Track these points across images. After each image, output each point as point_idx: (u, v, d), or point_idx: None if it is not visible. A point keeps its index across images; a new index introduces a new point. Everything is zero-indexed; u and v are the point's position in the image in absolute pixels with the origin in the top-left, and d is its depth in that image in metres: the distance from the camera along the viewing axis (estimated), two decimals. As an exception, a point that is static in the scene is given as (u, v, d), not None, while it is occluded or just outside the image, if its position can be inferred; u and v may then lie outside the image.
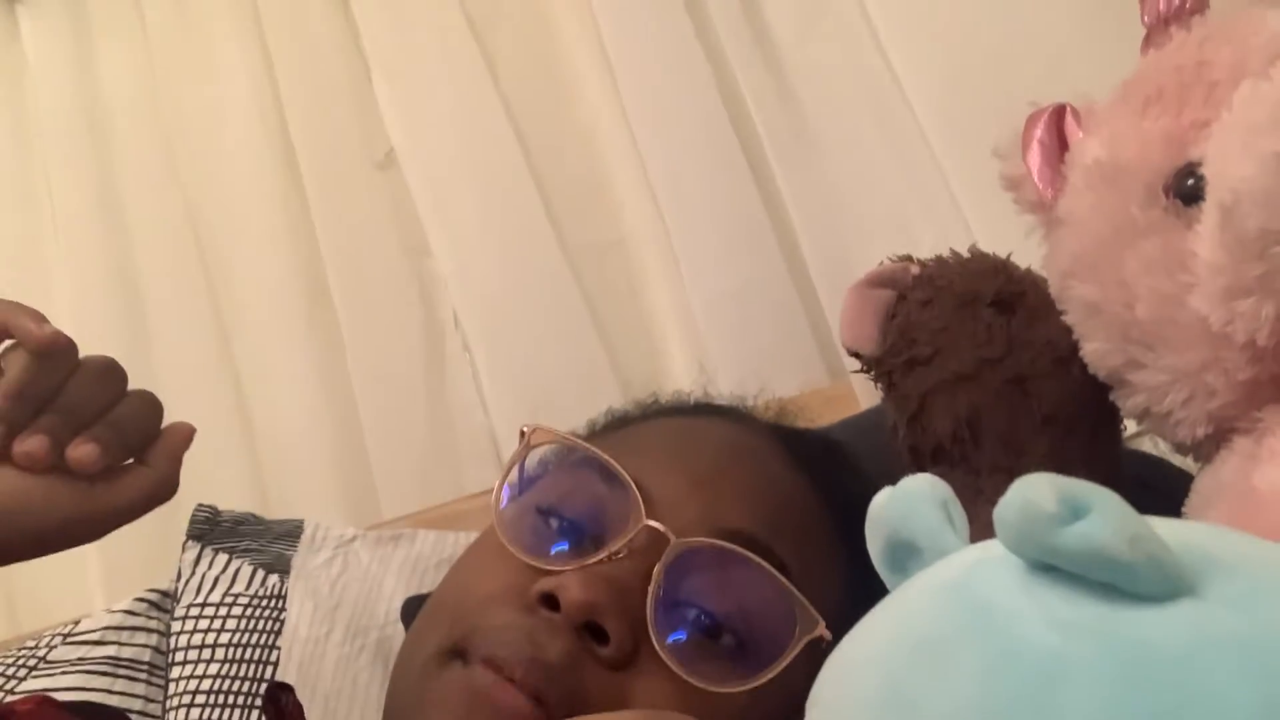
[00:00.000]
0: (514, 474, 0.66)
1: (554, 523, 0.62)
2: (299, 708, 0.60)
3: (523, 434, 0.66)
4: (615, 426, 0.74)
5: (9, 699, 0.67)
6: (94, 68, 1.46)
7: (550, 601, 0.56)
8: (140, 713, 0.77)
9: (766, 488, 0.64)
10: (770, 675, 0.57)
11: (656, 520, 0.58)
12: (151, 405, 0.64)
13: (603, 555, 0.58)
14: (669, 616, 0.57)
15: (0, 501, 0.57)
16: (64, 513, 0.59)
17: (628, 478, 0.60)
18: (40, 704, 0.51)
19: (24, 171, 1.42)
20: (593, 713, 0.53)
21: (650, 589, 0.57)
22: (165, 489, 0.63)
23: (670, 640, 0.57)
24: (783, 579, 0.58)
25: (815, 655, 0.41)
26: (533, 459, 0.67)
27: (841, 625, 0.41)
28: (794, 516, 0.64)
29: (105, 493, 0.60)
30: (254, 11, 1.44)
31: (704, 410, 0.76)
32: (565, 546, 0.61)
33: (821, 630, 0.58)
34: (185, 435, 0.64)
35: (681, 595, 0.58)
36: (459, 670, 0.56)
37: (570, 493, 0.63)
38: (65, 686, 0.75)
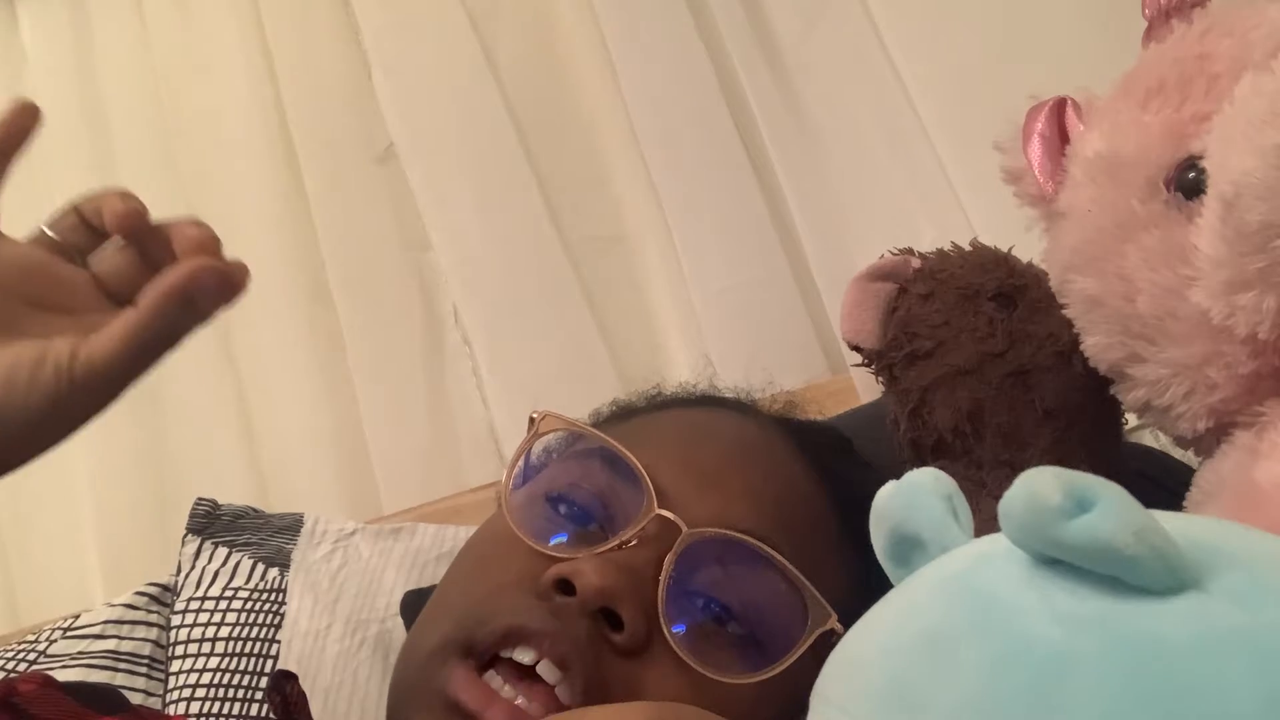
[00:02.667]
0: (523, 461, 0.66)
1: (564, 510, 0.62)
2: (303, 697, 0.60)
3: (532, 421, 0.66)
4: (622, 417, 0.74)
5: (10, 676, 0.67)
6: (94, 64, 1.46)
7: (565, 587, 0.56)
8: (140, 706, 0.77)
9: (775, 482, 0.64)
10: (782, 667, 0.57)
11: (668, 510, 0.58)
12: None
13: (614, 543, 0.58)
14: (680, 606, 0.57)
15: None
16: (46, 389, 0.51)
17: (639, 467, 0.60)
18: (43, 685, 0.51)
19: (24, 170, 1.42)
20: (608, 697, 0.53)
21: (662, 578, 0.57)
22: (151, 333, 0.52)
23: (681, 629, 0.57)
24: (795, 571, 0.58)
25: (826, 647, 0.41)
26: (541, 446, 0.67)
27: (848, 619, 0.41)
28: (802, 510, 0.64)
29: (86, 355, 0.51)
30: (254, 7, 1.44)
31: (711, 402, 0.76)
32: (575, 534, 0.60)
33: (833, 623, 0.58)
34: (187, 272, 0.53)
35: (693, 585, 0.58)
36: (453, 671, 0.55)
37: (580, 481, 0.63)
38: (65, 680, 0.75)
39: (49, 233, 0.57)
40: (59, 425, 0.53)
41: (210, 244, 0.55)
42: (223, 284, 0.54)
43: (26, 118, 0.58)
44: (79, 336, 0.52)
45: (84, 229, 0.57)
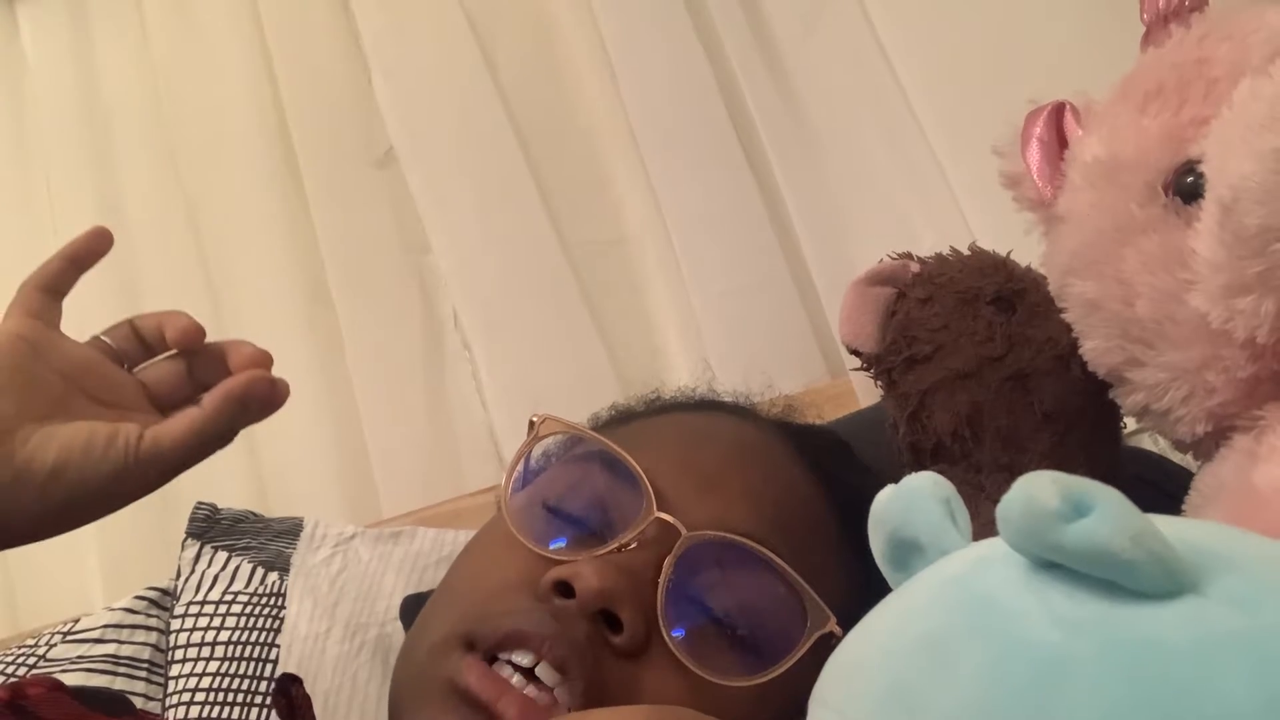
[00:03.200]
0: (522, 464, 0.66)
1: (563, 513, 0.62)
2: (308, 700, 0.60)
3: (532, 424, 0.66)
4: (621, 421, 0.74)
5: (18, 680, 0.67)
6: (94, 67, 1.46)
7: (564, 589, 0.56)
8: (141, 710, 0.77)
9: (774, 485, 0.64)
10: (781, 670, 0.57)
11: (667, 513, 0.58)
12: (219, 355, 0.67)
13: (613, 546, 0.58)
14: (679, 608, 0.57)
15: (61, 445, 0.59)
16: (117, 454, 0.60)
17: (639, 470, 0.60)
18: (51, 688, 0.51)
19: (24, 171, 1.42)
20: (607, 699, 0.53)
21: (661, 581, 0.57)
22: (212, 429, 0.64)
23: (681, 632, 0.57)
24: (794, 574, 0.58)
25: (825, 651, 0.41)
26: (541, 450, 0.67)
27: (847, 622, 0.41)
28: (801, 513, 0.64)
29: (153, 437, 0.61)
30: (254, 10, 1.44)
31: (711, 406, 0.76)
32: (574, 537, 0.60)
33: (832, 626, 0.58)
34: (247, 380, 0.65)
35: (692, 588, 0.58)
36: (462, 661, 0.55)
37: (579, 484, 0.63)
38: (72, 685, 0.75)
39: (105, 340, 0.66)
40: (115, 496, 0.62)
41: (263, 359, 0.66)
42: (271, 394, 0.65)
43: (102, 242, 0.67)
44: (139, 423, 0.62)
45: (136, 341, 0.66)
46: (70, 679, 0.76)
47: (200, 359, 0.67)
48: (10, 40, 1.48)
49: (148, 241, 1.38)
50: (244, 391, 0.64)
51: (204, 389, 0.65)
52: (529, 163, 1.35)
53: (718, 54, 1.33)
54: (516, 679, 0.54)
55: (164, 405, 0.66)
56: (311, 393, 1.32)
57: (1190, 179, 0.54)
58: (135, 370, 0.67)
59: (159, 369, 0.67)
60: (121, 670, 0.79)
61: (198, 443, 0.63)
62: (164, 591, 0.87)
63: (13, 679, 0.77)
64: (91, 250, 0.66)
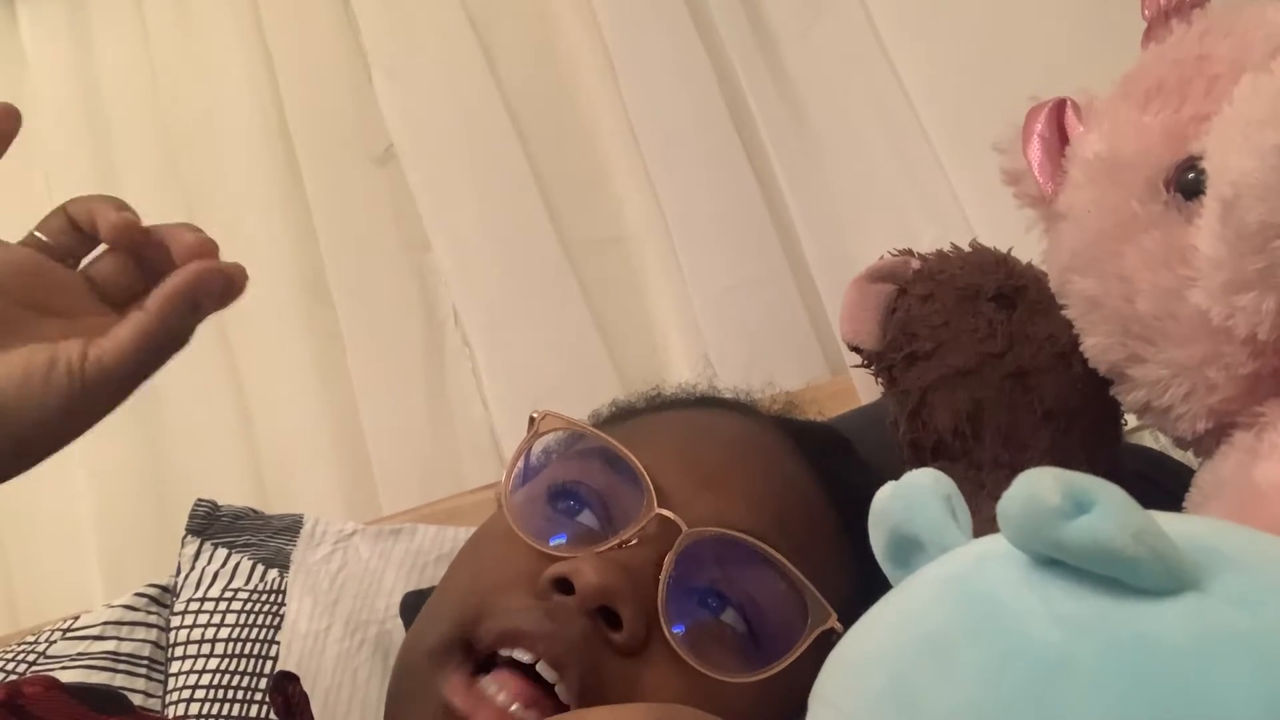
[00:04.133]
0: (523, 461, 0.66)
1: (563, 510, 0.62)
2: (305, 698, 0.60)
3: (532, 421, 0.66)
4: (621, 417, 0.74)
5: (13, 678, 0.67)
6: (94, 65, 1.46)
7: (563, 586, 0.56)
8: (140, 708, 0.77)
9: (775, 482, 0.64)
10: (782, 666, 0.57)
11: (668, 509, 0.58)
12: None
13: (614, 543, 0.58)
14: (680, 605, 0.57)
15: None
16: (59, 392, 0.52)
17: (639, 466, 0.60)
18: (48, 687, 0.51)
19: (24, 170, 1.42)
20: (606, 696, 0.53)
21: (662, 577, 0.57)
22: (162, 333, 0.54)
23: (681, 629, 0.57)
24: (795, 570, 0.58)
25: (826, 647, 0.41)
26: (541, 446, 0.67)
27: (848, 619, 0.41)
28: (802, 510, 0.64)
29: (96, 357, 0.53)
30: (254, 8, 1.44)
31: (711, 403, 0.76)
32: (575, 534, 0.60)
33: (833, 622, 0.58)
34: (193, 275, 0.55)
35: (693, 584, 0.58)
36: (448, 676, 0.55)
37: (580, 480, 0.63)
38: (69, 682, 0.75)
39: (40, 236, 0.57)
40: (69, 427, 0.54)
41: (208, 248, 0.56)
42: (225, 286, 0.56)
43: (7, 121, 0.56)
44: (82, 339, 0.53)
45: (74, 232, 0.58)
46: (70, 676, 0.76)
47: (146, 249, 0.58)
48: (10, 40, 1.48)
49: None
50: (191, 288, 0.54)
51: (159, 278, 0.56)
52: (529, 160, 1.35)
53: (718, 51, 1.33)
54: (501, 697, 0.54)
55: (117, 302, 0.57)
56: (312, 390, 1.32)
57: (1191, 175, 0.54)
58: (81, 266, 0.59)
59: (106, 262, 0.58)
60: (121, 667, 0.80)
61: (148, 352, 0.54)
62: (164, 588, 0.87)
63: (12, 676, 0.77)
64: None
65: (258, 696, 0.78)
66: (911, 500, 0.40)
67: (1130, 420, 0.68)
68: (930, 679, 0.33)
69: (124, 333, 0.54)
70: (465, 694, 0.54)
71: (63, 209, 0.58)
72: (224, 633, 0.82)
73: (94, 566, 1.28)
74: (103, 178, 1.40)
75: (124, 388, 0.55)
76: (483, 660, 0.56)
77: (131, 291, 0.57)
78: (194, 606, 0.84)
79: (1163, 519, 0.32)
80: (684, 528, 0.58)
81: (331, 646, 0.83)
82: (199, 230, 0.58)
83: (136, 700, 0.77)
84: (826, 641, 0.57)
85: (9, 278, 0.55)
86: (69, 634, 0.81)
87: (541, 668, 0.54)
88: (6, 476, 0.53)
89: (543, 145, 1.37)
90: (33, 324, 0.54)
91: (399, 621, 0.82)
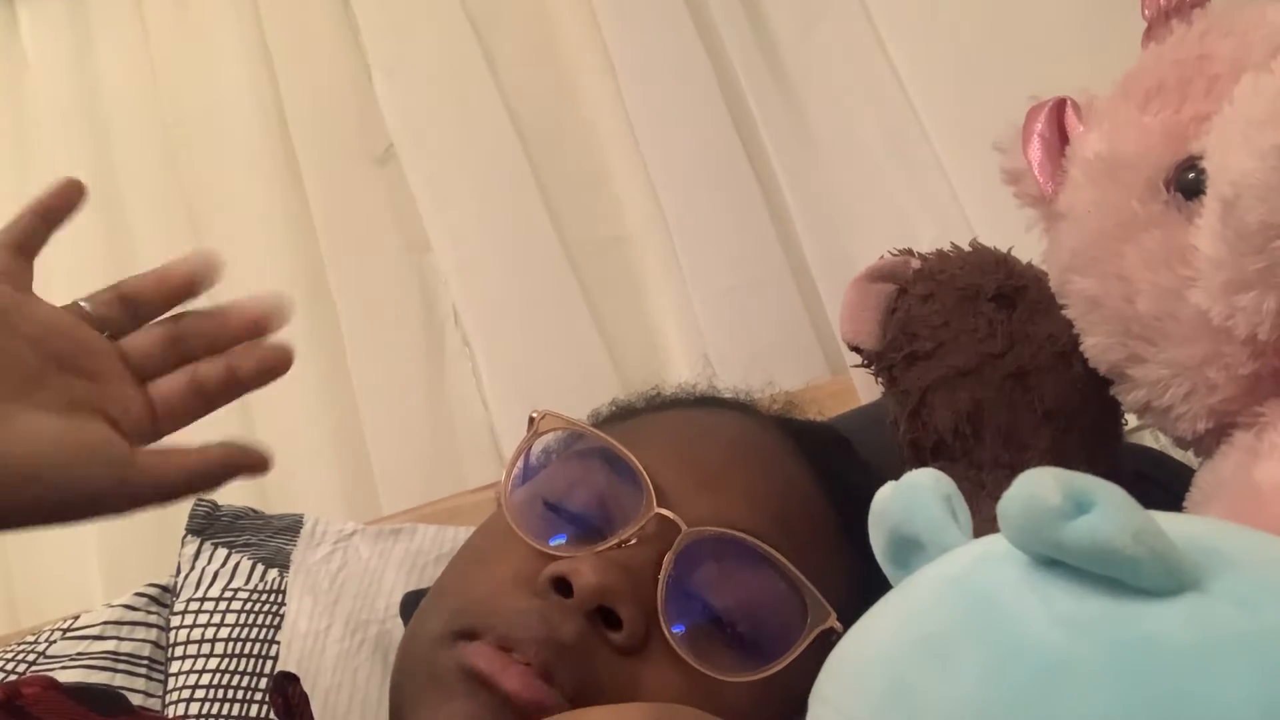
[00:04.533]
0: (522, 460, 0.66)
1: (563, 509, 0.62)
2: (305, 698, 0.60)
3: (532, 420, 0.66)
4: (621, 417, 0.74)
5: (11, 679, 0.67)
6: (94, 65, 1.46)
7: (562, 586, 0.56)
8: (140, 708, 0.77)
9: (775, 481, 0.64)
10: (781, 666, 0.57)
11: (667, 509, 0.58)
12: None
13: (613, 542, 0.58)
14: (680, 604, 0.57)
15: (41, 450, 0.51)
16: (102, 474, 0.53)
17: (639, 466, 0.60)
18: (46, 688, 0.51)
19: (24, 170, 1.42)
20: (603, 697, 0.53)
21: (661, 577, 0.57)
22: (206, 478, 0.58)
23: (681, 628, 0.57)
24: (794, 569, 0.58)
25: (825, 647, 0.41)
26: (541, 446, 0.67)
27: (848, 619, 0.41)
28: (802, 510, 0.64)
29: (148, 462, 0.55)
30: (254, 8, 1.44)
31: (711, 403, 0.76)
32: (574, 533, 0.60)
33: (833, 621, 0.58)
34: (239, 452, 0.59)
35: (692, 584, 0.58)
36: (464, 647, 0.55)
37: (579, 480, 0.63)
38: (68, 683, 0.75)
39: (84, 305, 0.58)
40: (96, 510, 0.55)
41: (268, 324, 0.62)
42: (262, 466, 0.60)
43: (74, 194, 0.60)
44: (116, 412, 0.56)
45: (119, 306, 0.59)
46: (70, 676, 0.76)
47: (189, 322, 0.60)
48: (10, 40, 1.48)
49: (148, 241, 1.37)
50: (236, 465, 0.59)
51: (186, 359, 0.59)
52: (529, 160, 1.35)
53: (718, 51, 1.33)
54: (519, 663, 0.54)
55: (142, 375, 0.59)
56: (312, 390, 1.32)
57: (1191, 175, 0.54)
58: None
59: (141, 336, 0.60)
60: (121, 667, 0.80)
61: (186, 489, 0.58)
62: (164, 588, 0.87)
63: (12, 676, 0.77)
64: (63, 203, 0.60)
65: (258, 696, 0.78)
66: (911, 500, 0.40)
67: (1130, 420, 0.68)
68: (930, 680, 0.33)
69: (176, 462, 0.57)
70: (489, 656, 0.54)
71: (115, 286, 0.60)
72: (224, 632, 0.82)
73: (94, 566, 1.28)
74: (103, 178, 1.39)
75: (154, 502, 0.57)
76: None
77: (157, 367, 0.59)
78: (194, 606, 0.84)
79: (1163, 519, 0.32)
80: (683, 527, 0.57)
81: (331, 646, 0.82)
82: (262, 332, 0.62)
83: (136, 700, 0.77)
84: (826, 641, 0.57)
85: (43, 331, 0.55)
86: (69, 634, 0.81)
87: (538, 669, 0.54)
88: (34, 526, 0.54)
89: (543, 145, 1.37)
90: (56, 379, 0.54)
91: (399, 621, 0.82)
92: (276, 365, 0.63)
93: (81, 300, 0.58)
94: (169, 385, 0.59)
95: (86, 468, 0.53)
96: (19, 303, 0.55)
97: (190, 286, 0.60)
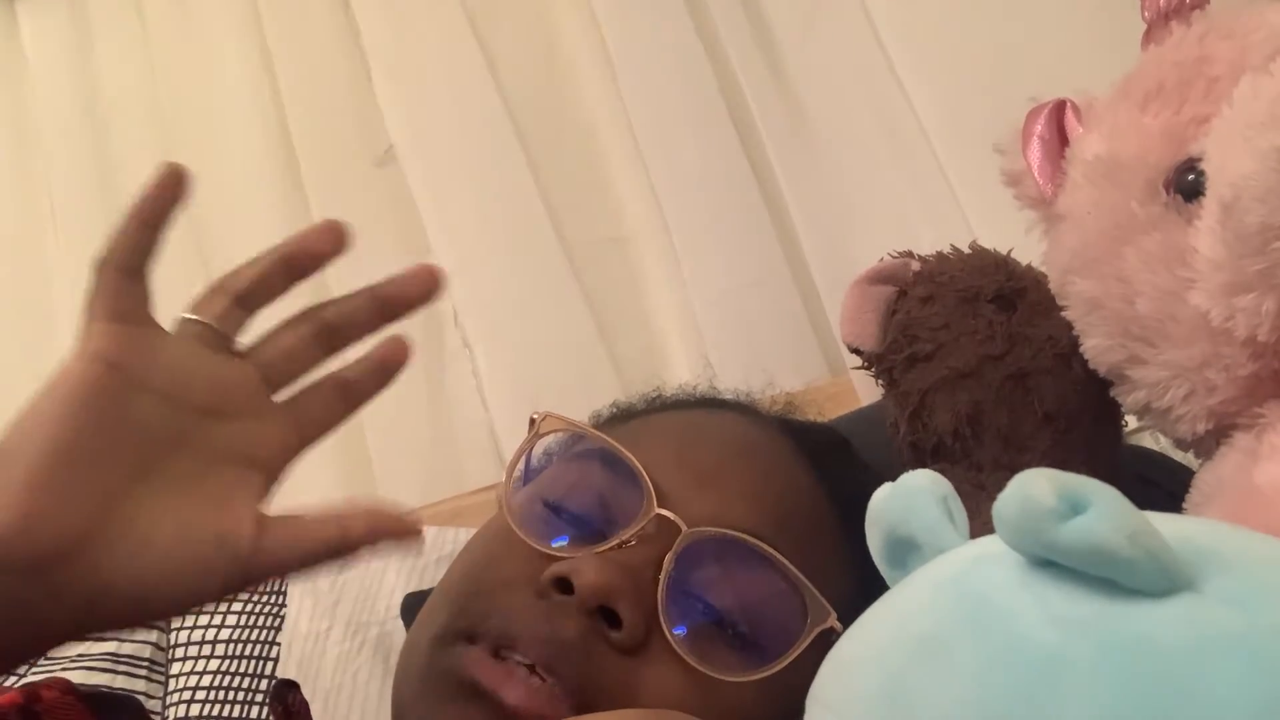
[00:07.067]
0: (523, 462, 0.66)
1: (564, 511, 0.62)
2: (305, 705, 0.60)
3: (532, 422, 0.66)
4: (621, 419, 0.74)
5: (11, 678, 0.66)
6: (94, 66, 1.46)
7: (563, 585, 0.56)
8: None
9: (775, 482, 0.64)
10: (781, 665, 0.57)
11: (667, 509, 0.58)
12: None
13: (614, 543, 0.58)
14: (680, 605, 0.57)
15: (147, 571, 0.45)
16: (216, 583, 0.47)
17: (639, 466, 0.60)
18: (64, 692, 0.50)
19: (24, 170, 1.42)
20: (603, 696, 0.53)
21: (661, 577, 0.57)
22: (343, 553, 0.50)
23: (681, 628, 0.57)
24: (794, 569, 0.58)
25: (825, 647, 0.41)
26: (541, 447, 0.67)
27: (847, 619, 0.41)
28: (801, 510, 0.64)
29: (274, 543, 0.49)
30: (254, 8, 1.44)
31: (711, 404, 0.76)
32: (575, 534, 0.60)
33: (833, 621, 0.58)
34: (405, 525, 0.52)
35: (692, 584, 0.58)
36: (465, 654, 0.55)
37: (580, 481, 0.63)
38: (83, 686, 0.75)
39: (203, 321, 0.50)
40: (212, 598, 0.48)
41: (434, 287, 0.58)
42: (414, 536, 0.53)
43: (176, 184, 0.51)
44: (252, 519, 0.50)
45: (236, 310, 0.52)
46: (70, 677, 0.76)
47: (332, 312, 0.55)
48: (10, 40, 1.48)
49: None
50: (368, 541, 0.51)
51: (331, 350, 0.54)
52: (529, 161, 1.35)
53: (718, 52, 1.33)
54: (520, 670, 0.54)
55: (281, 384, 0.53)
56: (312, 390, 1.32)
57: (1191, 177, 0.54)
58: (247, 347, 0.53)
59: (276, 344, 0.53)
60: (122, 668, 0.80)
61: (307, 569, 0.50)
62: (164, 589, 0.87)
63: (11, 675, 0.77)
64: (168, 197, 0.49)
65: (258, 698, 0.78)
66: (908, 501, 0.40)
67: (1130, 421, 0.68)
68: (926, 680, 0.33)
69: (298, 543, 0.50)
70: (487, 668, 0.54)
71: (221, 287, 0.51)
72: (224, 634, 0.82)
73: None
74: (103, 178, 1.40)
75: (269, 578, 0.50)
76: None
77: (300, 368, 0.54)
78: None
79: (1158, 520, 0.32)
80: (684, 527, 0.58)
81: (332, 648, 0.83)
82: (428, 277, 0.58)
83: (136, 701, 0.77)
84: (826, 641, 0.57)
85: (174, 379, 0.48)
86: (69, 635, 0.81)
87: (539, 669, 0.54)
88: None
89: (543, 146, 1.37)
90: (201, 432, 0.48)
91: (399, 623, 0.82)
92: (399, 355, 0.60)
93: (192, 314, 0.50)
94: (311, 398, 0.55)
95: (201, 578, 0.46)
96: (141, 351, 0.47)
97: (317, 257, 0.55)
